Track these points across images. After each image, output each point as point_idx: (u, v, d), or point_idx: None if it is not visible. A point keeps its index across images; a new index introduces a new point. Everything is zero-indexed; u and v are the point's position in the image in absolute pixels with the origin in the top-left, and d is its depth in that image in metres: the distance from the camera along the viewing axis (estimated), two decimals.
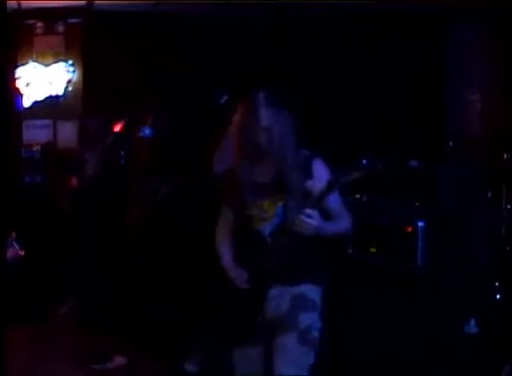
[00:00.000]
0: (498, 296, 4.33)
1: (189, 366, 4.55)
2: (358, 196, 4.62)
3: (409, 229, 4.21)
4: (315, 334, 2.96)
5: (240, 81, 6.63)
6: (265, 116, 2.89)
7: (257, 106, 2.91)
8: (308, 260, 3.00)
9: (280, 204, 2.95)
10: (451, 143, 5.28)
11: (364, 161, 2.86)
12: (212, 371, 4.24)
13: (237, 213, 3.09)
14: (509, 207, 4.67)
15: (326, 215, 2.93)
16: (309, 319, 2.95)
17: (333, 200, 2.94)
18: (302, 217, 2.79)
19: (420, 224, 4.18)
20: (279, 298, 2.97)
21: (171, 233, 5.70)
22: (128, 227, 5.65)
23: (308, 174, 2.96)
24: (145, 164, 6.25)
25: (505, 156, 4.84)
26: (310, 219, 2.79)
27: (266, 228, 2.98)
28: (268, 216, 2.97)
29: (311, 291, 3.00)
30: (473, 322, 4.13)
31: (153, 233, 5.87)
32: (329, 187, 2.82)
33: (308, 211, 2.79)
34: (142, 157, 6.19)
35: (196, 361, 4.53)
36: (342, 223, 3.03)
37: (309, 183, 2.95)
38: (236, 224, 3.12)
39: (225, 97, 4.81)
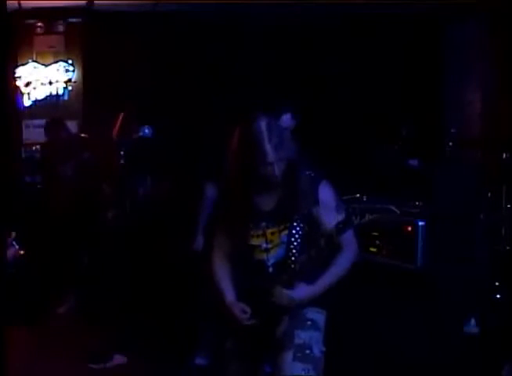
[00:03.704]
0: (498, 296, 4.33)
1: (199, 360, 4.54)
2: (358, 195, 4.62)
3: (409, 229, 4.21)
4: (317, 353, 2.81)
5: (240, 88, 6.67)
6: (269, 151, 2.67)
7: (259, 140, 2.68)
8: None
9: (284, 233, 2.81)
10: (451, 143, 5.28)
11: (364, 197, 2.74)
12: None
13: (236, 242, 2.92)
14: (509, 206, 4.68)
15: (332, 246, 2.76)
16: (306, 336, 2.81)
17: (346, 236, 2.77)
18: (286, 292, 2.69)
19: (420, 224, 4.18)
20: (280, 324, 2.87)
21: (167, 232, 5.71)
22: (124, 226, 5.65)
23: (314, 200, 2.78)
24: (143, 164, 6.25)
25: (505, 156, 4.84)
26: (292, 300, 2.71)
27: (270, 258, 2.84)
28: (271, 246, 2.83)
29: (312, 312, 2.87)
30: (473, 322, 4.13)
31: (151, 232, 5.88)
32: (342, 228, 2.68)
33: (288, 292, 2.70)
34: (141, 158, 6.18)
35: (206, 354, 4.50)
36: (347, 259, 2.82)
37: (315, 210, 2.78)
38: (234, 252, 2.97)
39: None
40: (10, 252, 3.74)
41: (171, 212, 5.86)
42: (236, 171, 2.80)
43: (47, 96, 7.28)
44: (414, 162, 5.36)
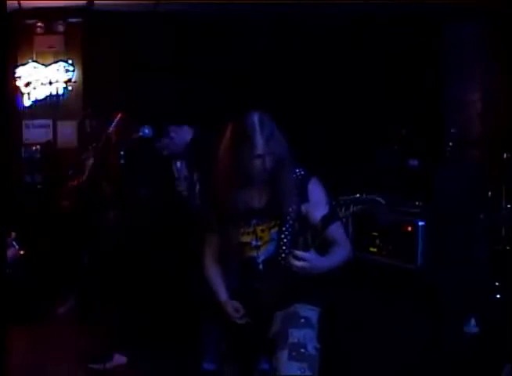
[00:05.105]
0: (498, 295, 4.33)
1: (207, 365, 4.51)
2: (358, 195, 4.61)
3: (409, 229, 4.21)
4: (311, 350, 2.78)
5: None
6: (260, 143, 2.70)
7: (250, 132, 2.71)
8: (305, 284, 2.79)
9: (274, 229, 2.82)
10: (451, 143, 5.28)
11: (364, 195, 2.72)
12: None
13: (226, 240, 2.91)
14: (509, 206, 4.68)
15: (324, 243, 2.77)
16: (300, 335, 2.79)
17: (332, 230, 2.75)
18: (293, 260, 2.63)
19: (420, 224, 4.18)
20: (274, 322, 2.87)
21: (168, 232, 5.70)
22: (125, 226, 5.65)
23: (304, 196, 2.79)
24: (143, 164, 6.25)
25: (505, 156, 4.85)
26: (303, 262, 2.63)
27: (260, 255, 2.85)
28: (261, 243, 2.84)
29: (305, 310, 2.86)
30: (473, 321, 4.13)
31: (152, 232, 5.88)
32: (327, 221, 2.67)
33: (301, 253, 2.63)
34: (141, 158, 6.18)
35: (214, 359, 4.47)
36: (340, 254, 2.83)
37: (304, 207, 2.79)
38: (224, 250, 2.97)
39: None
40: (10, 252, 3.75)
41: (172, 212, 5.86)
42: (226, 167, 2.81)
43: (47, 96, 7.27)
44: (414, 162, 5.36)
